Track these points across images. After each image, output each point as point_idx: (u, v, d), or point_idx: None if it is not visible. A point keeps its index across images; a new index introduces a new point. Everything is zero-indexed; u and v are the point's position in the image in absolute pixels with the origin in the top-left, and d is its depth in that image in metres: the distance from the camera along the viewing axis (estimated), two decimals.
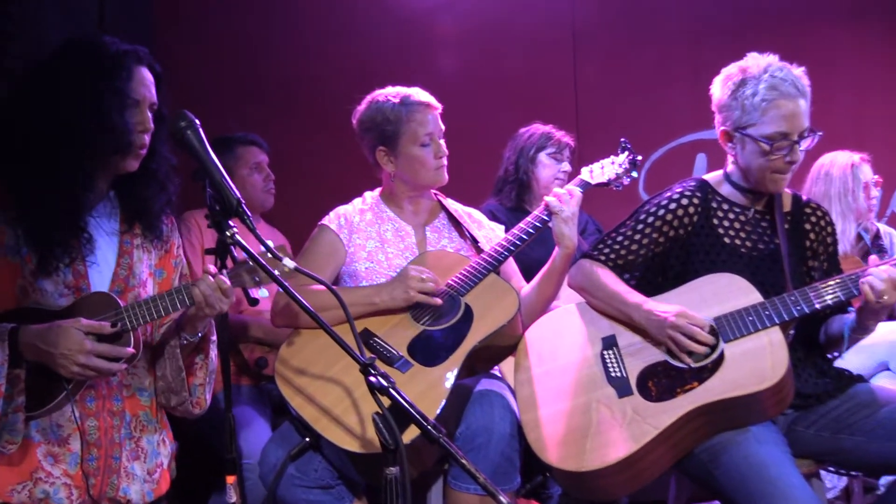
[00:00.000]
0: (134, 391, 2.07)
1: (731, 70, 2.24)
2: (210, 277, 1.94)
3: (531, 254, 2.87)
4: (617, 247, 2.34)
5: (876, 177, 3.77)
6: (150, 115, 1.99)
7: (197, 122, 1.82)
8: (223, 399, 1.91)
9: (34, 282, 1.94)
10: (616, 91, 4.63)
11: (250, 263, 1.97)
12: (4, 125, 1.99)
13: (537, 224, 2.46)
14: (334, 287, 1.93)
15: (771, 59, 2.21)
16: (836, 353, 2.34)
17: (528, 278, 2.58)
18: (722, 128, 2.27)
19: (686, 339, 2.11)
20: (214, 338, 2.13)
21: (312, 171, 4.20)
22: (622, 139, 2.70)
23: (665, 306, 2.16)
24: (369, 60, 4.30)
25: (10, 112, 2.00)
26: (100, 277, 2.02)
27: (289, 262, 1.79)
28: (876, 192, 3.82)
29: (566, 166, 3.48)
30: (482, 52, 4.50)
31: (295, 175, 3.85)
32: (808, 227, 2.35)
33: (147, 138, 1.99)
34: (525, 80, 4.51)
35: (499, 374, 2.56)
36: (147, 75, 2.01)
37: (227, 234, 1.78)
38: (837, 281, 2.11)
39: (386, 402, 1.62)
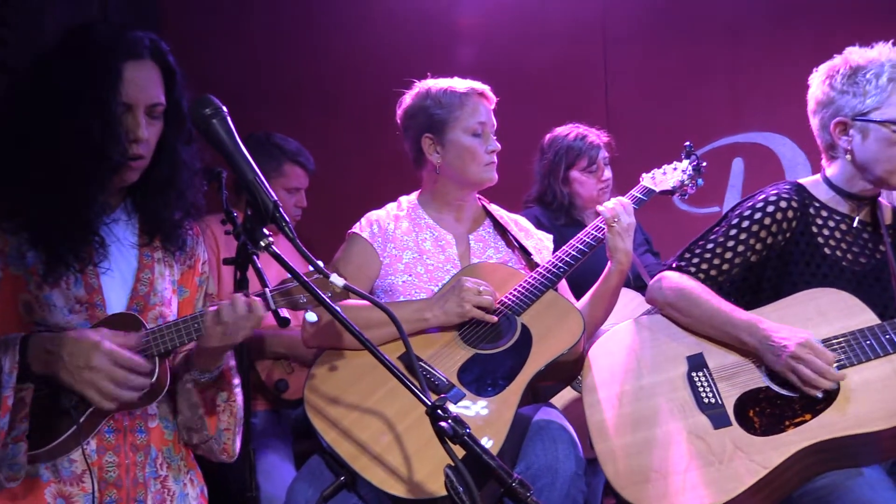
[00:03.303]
0: (159, 421, 1.82)
1: (834, 62, 2.06)
2: (242, 302, 1.65)
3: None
4: (709, 255, 2.09)
5: None
6: (143, 119, 1.71)
7: (224, 109, 1.55)
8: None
9: (41, 295, 1.69)
10: (648, 91, 4.38)
11: (285, 285, 1.70)
12: (3, 124, 1.74)
13: (598, 235, 2.22)
14: (387, 304, 1.65)
15: (881, 47, 2.02)
16: None
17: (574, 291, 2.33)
18: (836, 119, 2.04)
19: (812, 373, 1.84)
20: (238, 381, 1.87)
21: (331, 176, 3.91)
22: (686, 143, 2.50)
23: (786, 331, 1.90)
24: (390, 56, 4.04)
25: (7, 110, 1.75)
26: (116, 294, 1.77)
27: (337, 280, 1.50)
28: None
29: (606, 174, 3.16)
30: (508, 47, 4.26)
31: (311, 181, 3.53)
32: None
33: (139, 148, 1.72)
34: (554, 79, 4.28)
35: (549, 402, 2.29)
36: (145, 72, 1.71)
37: (263, 243, 1.50)
38: None
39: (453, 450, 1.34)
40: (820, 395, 1.84)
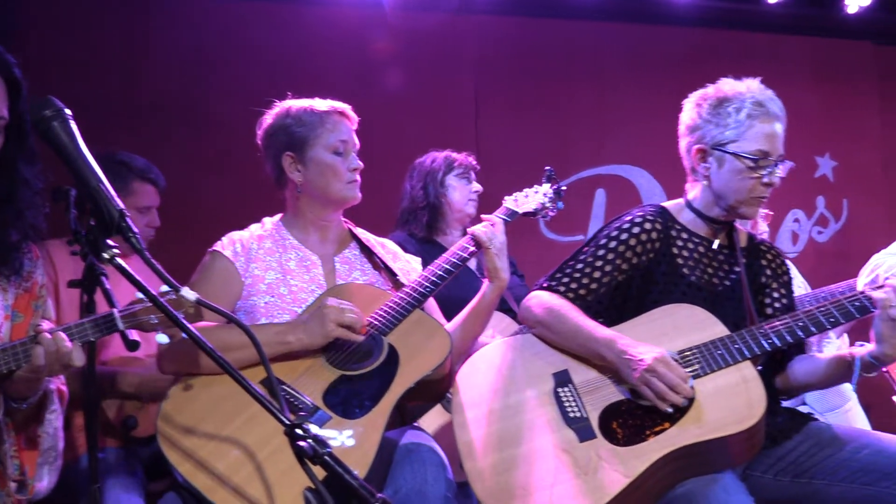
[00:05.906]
0: None
1: (707, 91, 2.14)
2: (47, 335, 1.57)
3: (446, 291, 2.61)
4: (578, 275, 2.13)
5: (765, 211, 3.71)
6: None
7: (68, 112, 1.43)
8: (85, 466, 1.53)
9: None
10: (517, 124, 4.51)
11: (133, 307, 1.59)
12: None
13: (464, 255, 2.23)
14: (246, 324, 1.56)
15: (750, 82, 2.11)
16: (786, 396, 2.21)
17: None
18: (697, 146, 2.13)
19: (665, 387, 1.88)
20: (55, 407, 1.74)
21: (192, 198, 3.74)
22: (547, 168, 2.57)
23: (642, 347, 1.95)
24: (254, 77, 3.95)
25: None
26: None
27: (189, 293, 1.40)
28: (764, 227, 3.76)
29: (476, 186, 3.33)
30: (376, 74, 4.25)
31: (172, 201, 3.36)
32: (763, 263, 2.23)
33: None
34: (424, 109, 4.33)
35: (416, 424, 2.25)
36: None
37: (107, 255, 1.39)
38: (809, 312, 1.98)
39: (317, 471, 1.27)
40: (670, 409, 1.88)
